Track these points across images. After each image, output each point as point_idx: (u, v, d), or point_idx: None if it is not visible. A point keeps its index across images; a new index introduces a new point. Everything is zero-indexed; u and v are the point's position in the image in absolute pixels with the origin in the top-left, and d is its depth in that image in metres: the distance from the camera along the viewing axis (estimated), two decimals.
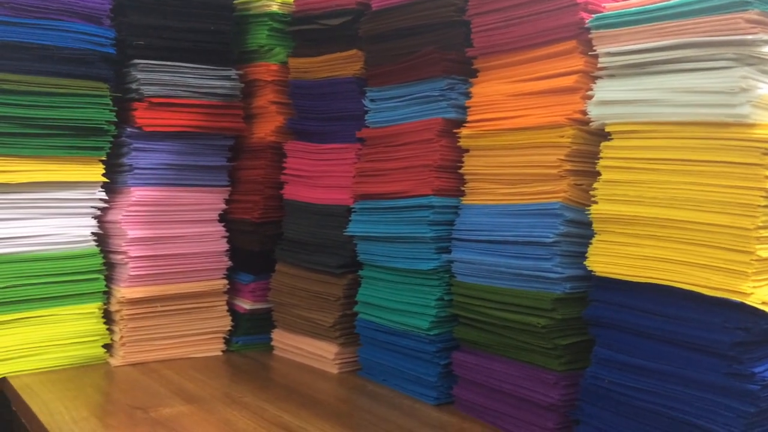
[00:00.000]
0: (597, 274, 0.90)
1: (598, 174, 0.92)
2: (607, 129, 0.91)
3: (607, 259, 0.89)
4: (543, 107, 1.00)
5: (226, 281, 1.44)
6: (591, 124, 0.93)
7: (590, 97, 0.93)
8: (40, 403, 1.09)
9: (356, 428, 1.03)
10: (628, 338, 0.88)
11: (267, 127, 1.45)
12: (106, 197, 1.35)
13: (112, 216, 1.36)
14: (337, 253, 1.30)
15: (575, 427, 0.93)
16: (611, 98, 0.90)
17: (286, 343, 1.41)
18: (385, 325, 1.20)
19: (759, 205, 0.77)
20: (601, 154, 0.91)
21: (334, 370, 1.30)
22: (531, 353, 0.98)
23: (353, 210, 1.26)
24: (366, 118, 1.26)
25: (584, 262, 0.91)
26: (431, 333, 1.12)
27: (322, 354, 1.33)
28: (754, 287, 0.76)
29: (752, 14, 0.77)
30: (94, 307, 1.33)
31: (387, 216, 1.20)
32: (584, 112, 0.94)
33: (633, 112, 0.88)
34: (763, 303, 0.76)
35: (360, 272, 1.26)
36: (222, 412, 1.07)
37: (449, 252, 1.10)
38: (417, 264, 1.14)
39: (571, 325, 0.96)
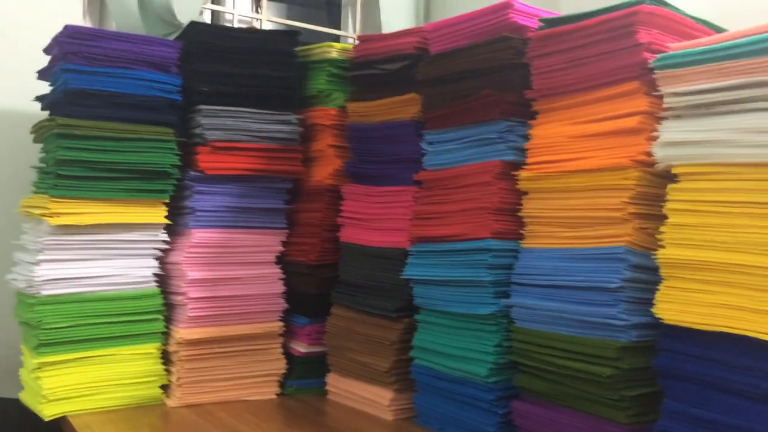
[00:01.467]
0: (665, 321, 0.86)
1: (665, 217, 0.89)
2: (674, 171, 0.89)
3: (675, 306, 0.85)
4: (606, 149, 0.98)
5: (281, 323, 1.44)
6: (656, 165, 0.91)
7: (655, 139, 0.91)
8: None
9: None
10: (699, 390, 0.83)
11: (325, 170, 1.46)
12: (168, 239, 1.37)
13: (173, 257, 1.38)
14: (393, 297, 1.29)
15: None
16: (678, 139, 0.88)
17: (340, 387, 1.40)
18: (442, 372, 1.18)
19: None
20: (668, 197, 0.88)
21: (389, 417, 1.28)
22: (596, 404, 0.94)
23: (410, 253, 1.25)
24: (423, 160, 1.26)
25: (651, 309, 0.88)
26: (490, 380, 1.09)
27: (376, 400, 1.30)
28: None
29: None
30: (153, 348, 1.35)
31: (444, 259, 1.18)
32: (649, 154, 0.92)
33: (701, 153, 0.85)
34: None
35: (416, 316, 1.25)
36: None
37: (508, 297, 1.08)
38: (475, 308, 1.12)
39: (638, 375, 0.92)
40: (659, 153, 0.90)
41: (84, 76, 1.27)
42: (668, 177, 0.90)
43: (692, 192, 0.86)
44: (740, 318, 0.79)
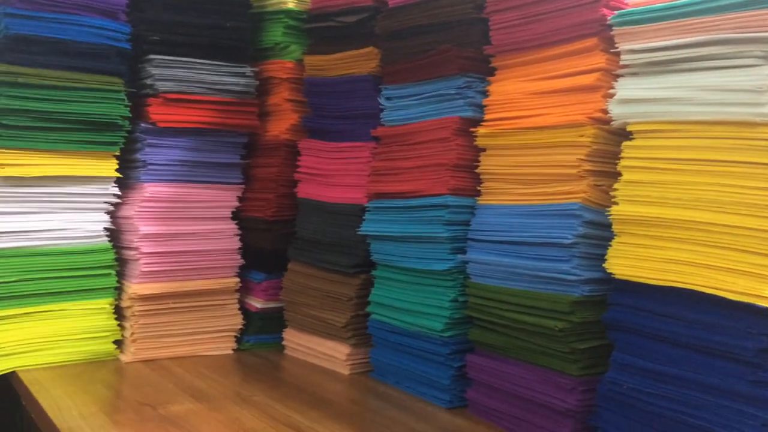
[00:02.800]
0: (617, 276, 0.88)
1: (619, 174, 0.90)
2: (629, 128, 0.89)
3: (627, 261, 0.87)
4: (563, 106, 0.98)
5: (238, 279, 1.43)
6: (612, 123, 0.91)
7: (612, 96, 0.91)
8: (49, 398, 1.09)
9: (366, 430, 1.01)
10: (648, 343, 0.85)
11: (281, 124, 1.44)
12: (119, 193, 1.34)
13: (124, 212, 1.35)
14: (350, 253, 1.28)
15: None
16: (634, 96, 0.88)
17: (297, 342, 1.40)
18: (398, 326, 1.19)
19: None
20: (623, 154, 0.89)
21: (346, 371, 1.29)
22: (548, 357, 0.96)
23: (367, 209, 1.24)
24: (381, 116, 1.24)
25: (603, 265, 0.89)
26: (445, 335, 1.10)
27: (333, 354, 1.31)
28: None
29: None
30: (105, 303, 1.33)
31: (401, 215, 1.18)
32: (605, 111, 0.92)
33: (656, 110, 0.86)
34: None
35: (373, 272, 1.25)
36: (231, 411, 1.06)
37: (464, 252, 1.09)
38: (431, 264, 1.13)
39: (589, 328, 0.93)
40: (615, 110, 0.90)
41: (27, 21, 1.21)
42: (623, 134, 0.90)
43: (646, 149, 0.87)
44: (690, 273, 0.81)
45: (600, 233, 0.93)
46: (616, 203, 0.89)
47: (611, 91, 0.91)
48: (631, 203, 0.87)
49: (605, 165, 0.95)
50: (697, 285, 0.80)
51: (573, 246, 0.93)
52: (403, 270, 1.19)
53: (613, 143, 0.93)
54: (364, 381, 1.25)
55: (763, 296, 0.74)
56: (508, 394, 1.01)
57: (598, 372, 0.92)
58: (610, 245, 0.89)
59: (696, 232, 0.81)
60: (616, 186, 0.89)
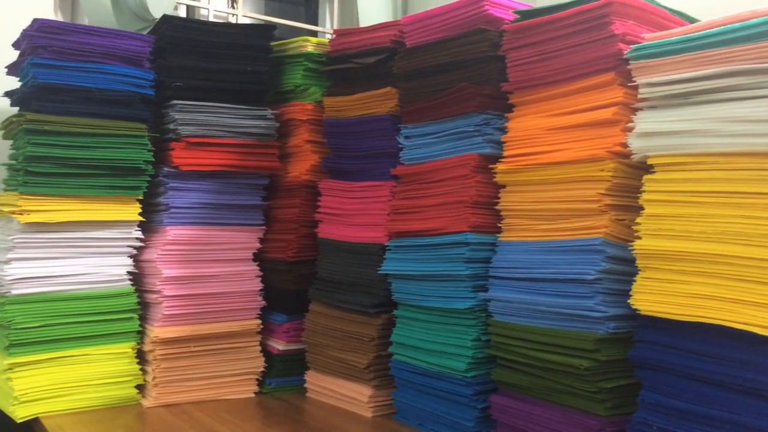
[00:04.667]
0: (642, 312, 0.86)
1: (641, 209, 0.88)
2: (650, 161, 0.88)
3: (652, 297, 0.85)
4: (582, 141, 0.97)
5: (259, 321, 1.42)
6: (632, 156, 0.90)
7: (631, 130, 0.90)
8: None
9: None
10: (676, 381, 0.83)
11: (302, 166, 1.44)
12: (143, 236, 1.35)
13: (147, 255, 1.36)
14: (371, 293, 1.28)
15: None
16: (653, 129, 0.87)
17: (319, 385, 1.38)
18: (421, 367, 1.17)
19: None
20: (644, 188, 0.88)
21: (369, 414, 1.27)
22: (574, 397, 0.93)
23: (388, 248, 1.24)
24: (400, 155, 1.25)
25: (628, 301, 0.87)
26: (468, 375, 1.08)
27: (355, 397, 1.29)
28: None
29: None
30: (127, 347, 1.33)
31: (422, 254, 1.17)
32: (625, 145, 0.91)
33: (677, 143, 0.85)
34: None
35: (395, 312, 1.24)
36: None
37: (486, 290, 1.07)
38: (453, 303, 1.11)
39: (615, 367, 0.91)
40: (635, 144, 0.89)
41: (53, 70, 1.24)
42: (644, 168, 0.89)
43: (668, 183, 0.86)
44: (717, 308, 0.79)
45: (624, 268, 0.91)
46: (639, 237, 0.87)
47: (630, 124, 0.91)
48: (654, 237, 0.86)
49: (627, 199, 0.94)
50: (725, 320, 0.78)
51: (596, 282, 0.92)
52: (424, 309, 1.17)
53: (634, 177, 0.92)
54: (387, 424, 1.23)
55: None
56: None
57: (626, 412, 0.89)
58: (635, 280, 0.87)
59: (722, 265, 0.79)
60: (638, 220, 0.88)
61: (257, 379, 1.42)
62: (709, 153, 0.82)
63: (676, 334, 0.83)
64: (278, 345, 1.44)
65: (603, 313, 0.90)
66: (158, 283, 1.32)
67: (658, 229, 0.86)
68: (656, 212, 0.86)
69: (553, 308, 0.96)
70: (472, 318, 1.09)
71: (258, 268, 1.43)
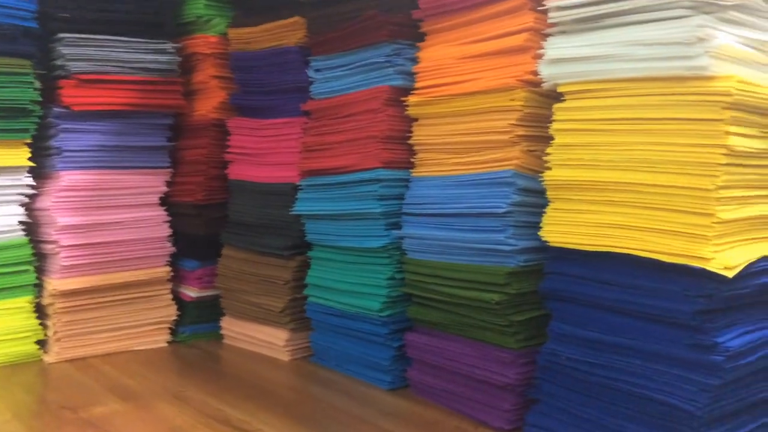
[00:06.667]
0: (551, 244, 0.84)
1: (551, 138, 0.86)
2: (560, 89, 0.85)
3: (561, 228, 0.84)
4: (493, 69, 0.94)
5: (169, 268, 1.36)
6: (543, 84, 0.87)
7: (541, 56, 0.87)
8: None
9: (305, 419, 0.96)
10: (585, 311, 0.82)
11: (209, 103, 1.36)
12: (34, 183, 1.25)
13: (41, 203, 1.26)
14: (285, 235, 1.23)
15: (532, 406, 0.87)
16: (563, 56, 0.84)
17: (235, 331, 1.34)
18: (336, 308, 1.14)
19: (719, 164, 0.71)
20: (554, 117, 0.85)
21: (286, 358, 1.24)
22: (486, 331, 0.92)
23: (300, 188, 1.19)
24: (310, 89, 1.18)
25: (539, 233, 0.85)
26: (383, 314, 1.06)
27: (272, 341, 1.26)
28: (716, 252, 0.71)
29: None
30: (24, 301, 1.24)
31: (334, 192, 1.13)
32: (536, 73, 0.88)
33: (586, 69, 0.82)
34: (726, 268, 0.71)
35: (309, 253, 1.19)
36: (159, 409, 1.00)
37: (400, 228, 1.04)
38: (366, 242, 1.08)
39: (526, 300, 0.90)
40: (545, 71, 0.86)
41: None
42: (555, 96, 0.87)
43: (577, 111, 0.83)
44: (624, 237, 0.78)
45: (535, 200, 0.90)
46: (549, 168, 0.85)
47: (540, 51, 0.87)
48: (564, 167, 0.84)
49: (538, 129, 0.91)
50: (632, 249, 0.77)
51: (507, 215, 0.90)
52: (339, 249, 1.14)
53: (545, 106, 0.89)
54: (305, 366, 1.21)
55: (699, 257, 0.71)
56: (448, 371, 0.98)
57: (538, 344, 0.88)
58: (545, 212, 0.85)
59: (629, 194, 0.78)
60: (548, 150, 0.86)
61: (170, 328, 1.37)
62: (617, 79, 0.79)
63: (584, 265, 0.82)
64: (191, 292, 1.38)
65: (513, 246, 0.89)
66: (54, 233, 1.24)
67: (568, 159, 0.83)
68: (566, 142, 0.84)
69: (466, 243, 0.94)
70: (386, 256, 1.06)
71: (166, 213, 1.36)
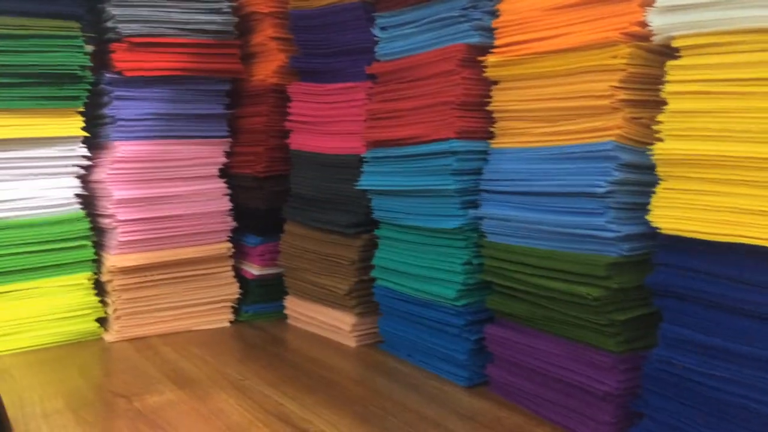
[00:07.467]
0: (663, 231, 0.70)
1: (664, 103, 0.71)
2: (674, 44, 0.70)
3: (675, 212, 0.69)
4: (589, 21, 0.79)
5: (230, 245, 1.28)
6: (653, 38, 0.72)
7: (651, 3, 0.71)
8: (14, 390, 0.96)
9: (369, 421, 0.86)
10: (704, 312, 0.69)
11: (268, 67, 1.26)
12: (89, 154, 1.19)
13: (96, 175, 1.20)
14: (349, 211, 1.13)
15: (638, 421, 0.74)
16: (678, 2, 0.69)
17: (299, 312, 1.26)
18: (406, 294, 1.03)
19: None
20: (667, 77, 0.70)
21: (352, 344, 1.15)
22: (580, 329, 0.80)
23: (365, 160, 1.08)
24: (376, 50, 1.06)
25: (646, 217, 0.71)
26: (459, 303, 0.94)
27: (338, 325, 1.17)
28: None
29: None
30: (83, 278, 1.19)
31: (403, 166, 1.01)
32: (644, 24, 0.73)
33: (709, 18, 0.67)
34: None
35: (376, 232, 1.09)
36: (216, 401, 0.92)
37: (477, 207, 0.92)
38: (440, 222, 0.96)
39: (630, 295, 0.77)
40: (656, 21, 0.71)
41: None
42: (668, 53, 0.72)
43: (698, 69, 0.68)
44: (755, 225, 0.63)
45: (641, 178, 0.76)
46: (660, 140, 0.71)
47: None
48: (680, 139, 0.69)
49: (645, 93, 0.77)
50: (763, 239, 0.62)
51: (608, 195, 0.76)
52: (408, 229, 1.03)
53: (655, 65, 0.75)
54: (373, 355, 1.11)
55: None
56: (534, 371, 0.86)
57: (642, 347, 0.76)
58: (654, 192, 0.71)
59: (762, 171, 0.63)
60: (659, 118, 0.71)
61: (233, 307, 1.30)
62: (749, 29, 0.64)
63: (704, 257, 0.68)
64: (253, 269, 1.31)
65: (616, 232, 0.75)
66: (110, 206, 1.18)
67: (686, 129, 0.69)
68: (683, 107, 0.69)
69: (556, 227, 0.81)
70: (462, 239, 0.94)
71: (226, 185, 1.28)
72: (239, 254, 1.31)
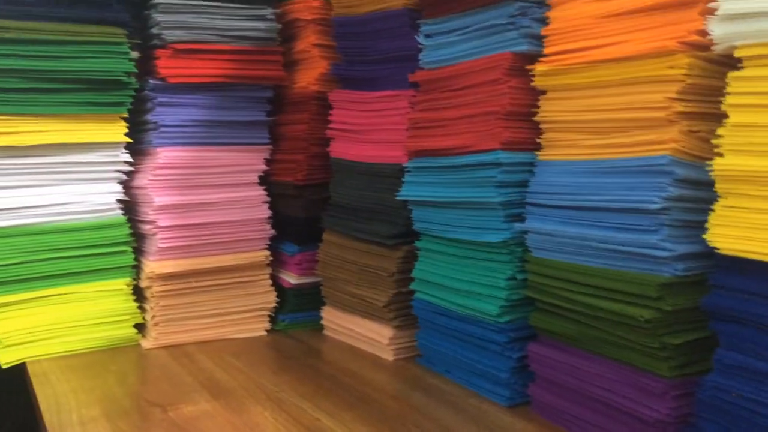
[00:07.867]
0: (721, 251, 0.66)
1: (724, 116, 0.67)
2: (737, 54, 0.66)
3: (735, 231, 0.66)
4: (645, 29, 0.76)
5: (268, 252, 1.27)
6: (713, 48, 0.69)
7: (712, 11, 0.68)
8: (51, 396, 0.96)
9: None
10: (762, 338, 0.65)
11: (310, 74, 1.25)
12: (131, 159, 1.20)
13: (138, 181, 1.21)
14: (389, 221, 1.11)
15: None
16: (744, 9, 0.65)
17: (336, 323, 1.24)
18: (446, 308, 1.01)
19: None
20: (728, 89, 0.67)
21: (390, 357, 1.12)
22: (631, 352, 0.76)
23: (406, 169, 1.06)
24: (420, 57, 1.04)
25: (703, 236, 0.68)
26: (501, 320, 0.91)
27: (375, 337, 1.15)
28: None
29: None
30: (122, 283, 1.20)
31: (446, 176, 0.99)
32: (704, 33, 0.70)
33: None
34: None
35: (416, 243, 1.07)
36: (251, 413, 0.91)
37: (523, 220, 0.89)
38: (483, 235, 0.93)
39: (684, 317, 0.73)
40: (717, 30, 0.67)
41: None
42: (729, 63, 0.68)
43: (762, 81, 0.65)
44: None
45: (698, 194, 0.72)
46: (720, 154, 0.67)
47: (711, 5, 0.69)
48: (740, 154, 0.66)
49: (704, 105, 0.73)
50: None
51: (662, 212, 0.72)
52: (450, 241, 1.00)
53: (716, 76, 0.71)
54: (410, 369, 1.09)
55: None
56: (579, 393, 0.82)
57: (696, 372, 0.72)
58: (712, 210, 0.68)
59: None
60: (719, 132, 0.67)
61: (269, 316, 1.29)
62: None
63: (765, 279, 0.64)
64: (290, 278, 1.29)
65: (670, 251, 0.72)
66: (151, 212, 1.18)
67: (748, 144, 0.65)
68: (745, 121, 0.66)
69: (606, 244, 0.77)
70: (506, 253, 0.91)
71: (265, 192, 1.27)
72: (277, 262, 1.30)
